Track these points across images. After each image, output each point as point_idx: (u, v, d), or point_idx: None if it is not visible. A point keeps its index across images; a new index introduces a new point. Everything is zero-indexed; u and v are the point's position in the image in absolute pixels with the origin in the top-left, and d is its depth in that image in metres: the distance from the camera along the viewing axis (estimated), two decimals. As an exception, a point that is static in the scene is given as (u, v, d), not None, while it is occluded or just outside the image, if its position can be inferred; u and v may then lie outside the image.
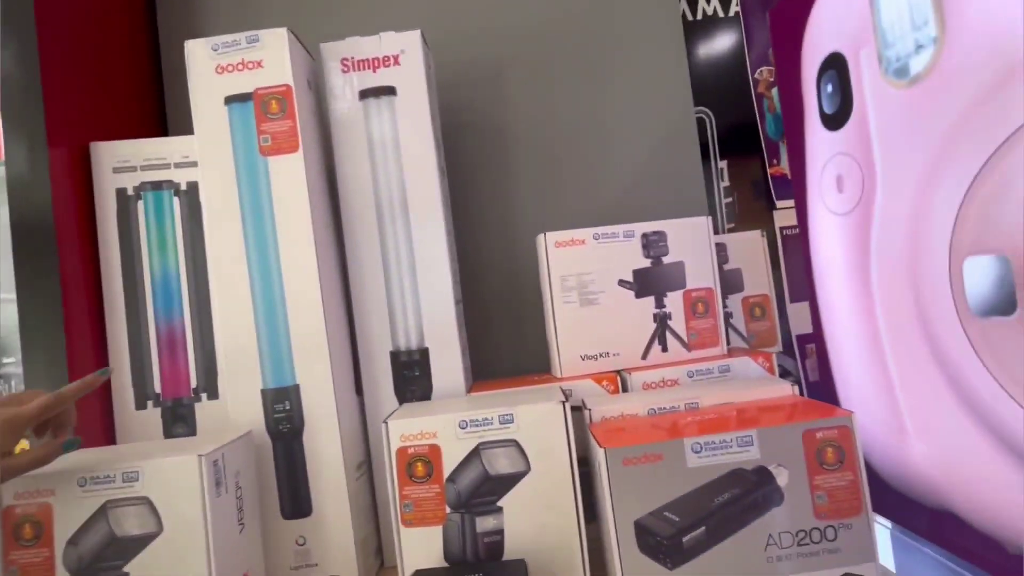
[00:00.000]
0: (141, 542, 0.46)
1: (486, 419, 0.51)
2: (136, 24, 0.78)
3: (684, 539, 0.45)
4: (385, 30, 0.63)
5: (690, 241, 0.66)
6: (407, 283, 0.63)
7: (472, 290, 0.73)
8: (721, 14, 0.89)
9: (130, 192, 0.64)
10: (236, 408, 0.57)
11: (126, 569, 0.45)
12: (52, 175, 0.59)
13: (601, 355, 0.65)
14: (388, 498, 0.51)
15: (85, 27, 0.68)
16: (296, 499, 0.57)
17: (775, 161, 0.88)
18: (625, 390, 0.62)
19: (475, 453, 0.51)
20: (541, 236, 0.65)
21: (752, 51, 0.88)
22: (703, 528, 0.45)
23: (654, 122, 0.79)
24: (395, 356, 0.63)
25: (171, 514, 0.46)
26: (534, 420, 0.51)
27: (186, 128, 0.77)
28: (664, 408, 0.55)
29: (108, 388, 0.62)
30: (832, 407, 0.50)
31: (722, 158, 0.89)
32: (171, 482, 0.46)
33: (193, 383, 0.64)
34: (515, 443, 0.51)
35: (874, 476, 0.55)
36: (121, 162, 0.64)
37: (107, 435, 0.62)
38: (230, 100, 0.58)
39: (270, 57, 0.58)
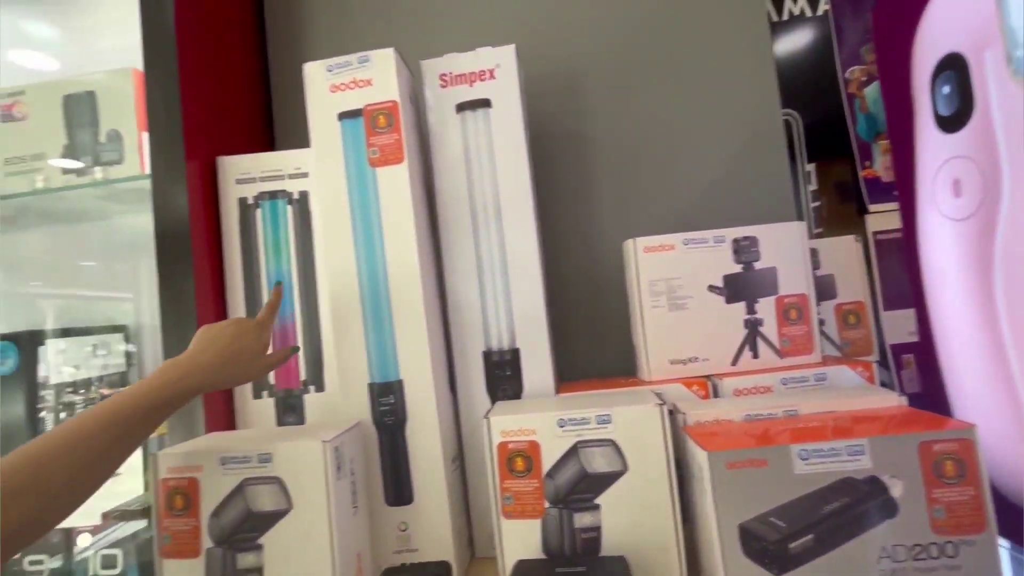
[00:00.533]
0: (273, 518, 0.51)
1: (584, 419, 0.53)
2: (249, 49, 0.85)
3: (791, 545, 0.44)
4: (460, 45, 0.66)
5: (783, 246, 0.65)
6: (500, 286, 0.65)
7: (555, 293, 0.75)
8: (809, 13, 0.87)
9: (250, 201, 0.71)
10: (346, 400, 0.62)
11: (260, 541, 0.51)
12: (189, 186, 0.66)
13: (690, 360, 0.65)
14: (486, 490, 0.54)
15: (213, 55, 0.75)
16: (399, 487, 0.61)
17: (867, 164, 0.85)
18: (716, 396, 0.62)
19: (573, 451, 0.53)
20: (630, 242, 0.66)
21: (842, 50, 0.85)
22: (811, 535, 0.44)
23: (740, 125, 0.78)
24: (488, 356, 0.65)
25: (299, 493, 0.50)
26: (631, 421, 0.52)
27: (291, 142, 0.86)
28: (761, 414, 0.55)
29: (230, 378, 0.69)
30: (948, 419, 0.49)
31: (809, 161, 0.86)
32: (299, 464, 0.51)
33: (302, 376, 0.69)
34: (612, 443, 0.52)
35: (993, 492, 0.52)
36: (243, 174, 0.71)
37: (228, 420, 0.69)
38: (343, 116, 0.63)
39: (378, 76, 0.62)
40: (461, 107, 0.66)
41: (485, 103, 0.66)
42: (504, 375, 0.65)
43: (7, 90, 0.74)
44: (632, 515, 0.52)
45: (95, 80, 0.74)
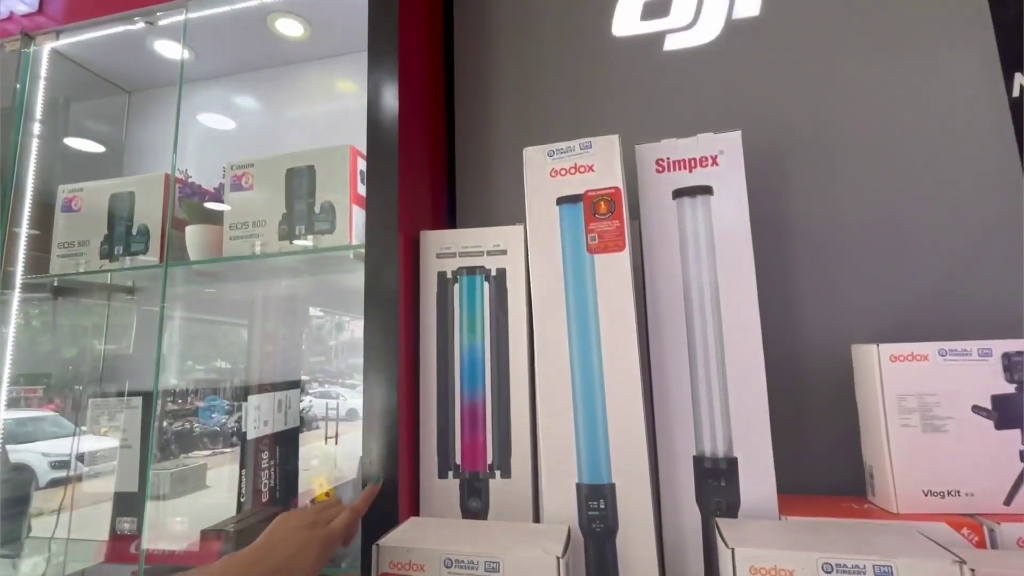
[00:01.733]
0: (498, 636, 0.47)
1: (857, 567, 0.45)
2: (440, 133, 0.89)
3: None
4: (637, 133, 0.64)
5: (1064, 365, 0.55)
6: (716, 385, 0.60)
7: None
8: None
9: (449, 275, 0.71)
10: (550, 499, 0.58)
11: (483, 661, 0.47)
12: (400, 257, 0.68)
13: (950, 493, 0.55)
14: None
15: (420, 137, 0.79)
16: (606, 606, 0.55)
17: None
18: (993, 543, 0.52)
19: (843, 604, 0.45)
20: (870, 347, 0.59)
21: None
22: None
23: (991, 209, 0.69)
24: (699, 462, 0.60)
25: (528, 613, 0.46)
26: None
27: (470, 221, 0.87)
28: (1086, 586, 0.44)
29: (418, 454, 0.68)
30: None
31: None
32: (530, 579, 0.47)
33: (489, 459, 0.67)
34: (896, 602, 0.44)
35: None
36: (444, 248, 0.72)
37: (412, 500, 0.67)
38: (562, 201, 0.63)
39: (601, 161, 0.62)
40: (678, 193, 0.64)
41: (706, 190, 0.63)
42: (718, 486, 0.59)
43: (239, 163, 0.82)
44: None
45: (315, 155, 0.79)
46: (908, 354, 0.57)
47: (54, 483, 1.02)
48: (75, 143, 1.12)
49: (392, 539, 0.52)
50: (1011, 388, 0.55)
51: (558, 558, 0.47)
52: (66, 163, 1.06)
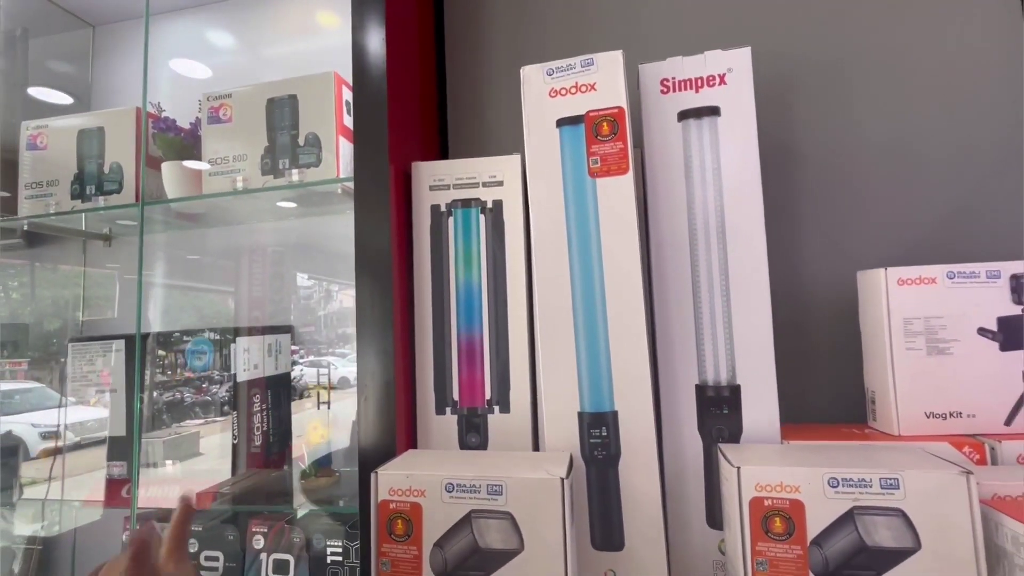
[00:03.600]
0: (502, 557, 0.46)
1: (863, 480, 0.45)
2: (430, 56, 0.84)
3: None
4: (644, 50, 0.60)
5: (1071, 286, 0.54)
6: (719, 313, 0.59)
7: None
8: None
9: (443, 208, 0.68)
10: (551, 428, 0.57)
11: (488, 581, 0.46)
12: (391, 190, 0.64)
13: (952, 415, 0.55)
14: (689, 543, 0.47)
15: (409, 61, 0.74)
16: (608, 531, 0.55)
17: None
18: (994, 462, 0.52)
19: (848, 517, 0.45)
20: (878, 271, 0.57)
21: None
22: None
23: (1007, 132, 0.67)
24: (701, 390, 0.59)
25: (532, 533, 0.46)
26: (926, 489, 0.43)
27: (463, 151, 0.84)
28: (1087, 495, 0.44)
29: (414, 391, 0.66)
30: None
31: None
32: (533, 501, 0.46)
33: (487, 395, 0.66)
34: (901, 513, 0.44)
35: None
36: (436, 180, 0.69)
37: (409, 437, 0.66)
38: (562, 123, 0.59)
39: (604, 80, 0.58)
40: (684, 115, 0.61)
41: (713, 111, 0.60)
42: (720, 413, 0.58)
43: (215, 93, 0.77)
44: (925, 604, 0.43)
45: (297, 84, 0.75)
46: (916, 277, 0.56)
47: (44, 454, 1.00)
48: (40, 93, 1.05)
49: (391, 466, 0.51)
50: (1018, 310, 0.55)
51: (562, 479, 0.46)
52: (30, 111, 0.99)
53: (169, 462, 0.80)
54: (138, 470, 0.75)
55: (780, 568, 0.45)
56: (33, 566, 0.99)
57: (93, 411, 0.91)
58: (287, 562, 0.71)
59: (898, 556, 0.44)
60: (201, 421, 0.85)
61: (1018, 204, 0.65)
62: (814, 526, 0.45)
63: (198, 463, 0.86)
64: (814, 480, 0.45)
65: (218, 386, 0.79)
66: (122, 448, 0.78)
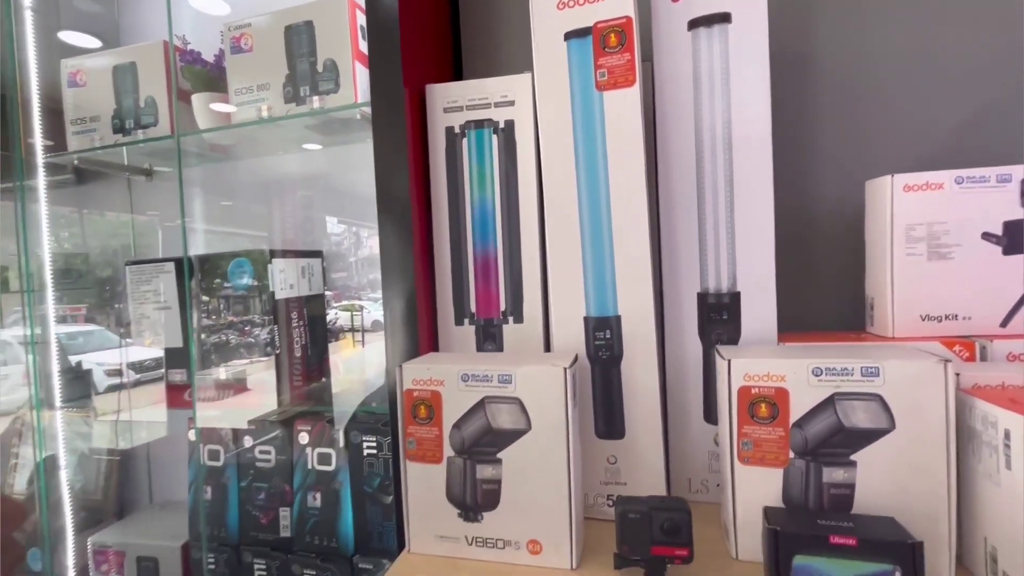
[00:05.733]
0: (512, 436, 0.52)
1: (845, 368, 0.48)
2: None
3: None
4: None
5: (1085, 189, 0.54)
6: (723, 223, 0.61)
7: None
8: None
9: (456, 130, 0.71)
10: (560, 332, 0.62)
11: (499, 456, 0.53)
12: (406, 113, 0.67)
13: (947, 317, 0.57)
14: (688, 433, 0.51)
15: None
16: (610, 421, 0.61)
17: None
18: (984, 360, 0.54)
19: (829, 402, 0.48)
20: (884, 179, 0.58)
21: None
22: None
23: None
24: (703, 297, 0.62)
25: (538, 415, 0.52)
26: (904, 376, 0.47)
27: (477, 71, 0.85)
28: (1066, 383, 0.47)
29: (435, 304, 0.72)
30: None
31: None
32: (539, 388, 0.51)
33: (502, 306, 0.70)
34: (878, 398, 0.47)
35: None
36: (450, 102, 0.70)
37: (431, 345, 0.72)
38: (569, 36, 0.60)
39: (612, -12, 0.58)
40: (694, 23, 0.60)
41: (724, 18, 0.59)
42: (720, 319, 0.62)
43: (236, 23, 0.79)
44: (894, 476, 0.47)
45: (312, 9, 0.76)
46: (923, 183, 0.56)
47: (110, 389, 1.12)
48: (70, 37, 1.08)
49: (414, 362, 0.57)
50: (1025, 213, 0.55)
51: (565, 368, 0.51)
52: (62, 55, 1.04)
53: (222, 397, 0.89)
54: (195, 375, 0.84)
55: (763, 447, 0.50)
56: (115, 473, 1.14)
57: (149, 351, 1.02)
58: (329, 455, 0.81)
59: (873, 435, 0.47)
60: (247, 361, 0.93)
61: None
62: (797, 410, 0.49)
63: (247, 398, 0.96)
64: (799, 370, 0.49)
65: (260, 328, 0.86)
66: (179, 357, 0.88)
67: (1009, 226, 0.55)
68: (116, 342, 1.11)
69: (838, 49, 0.69)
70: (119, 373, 1.08)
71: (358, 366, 1.00)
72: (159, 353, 0.90)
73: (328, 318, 0.95)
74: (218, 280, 0.84)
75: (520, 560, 0.53)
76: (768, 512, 0.47)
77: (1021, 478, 0.40)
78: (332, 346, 0.96)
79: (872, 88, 0.68)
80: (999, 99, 0.65)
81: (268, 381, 0.87)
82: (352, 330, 0.99)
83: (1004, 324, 0.56)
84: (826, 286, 0.70)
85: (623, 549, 0.49)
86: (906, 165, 0.67)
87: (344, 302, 1.00)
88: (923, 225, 0.57)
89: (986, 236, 0.56)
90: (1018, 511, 0.41)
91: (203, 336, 0.89)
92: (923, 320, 0.57)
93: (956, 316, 0.57)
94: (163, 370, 0.90)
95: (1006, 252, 0.55)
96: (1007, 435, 0.42)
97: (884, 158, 0.68)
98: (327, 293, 0.97)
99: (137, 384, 1.06)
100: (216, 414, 0.89)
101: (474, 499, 0.54)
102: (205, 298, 0.88)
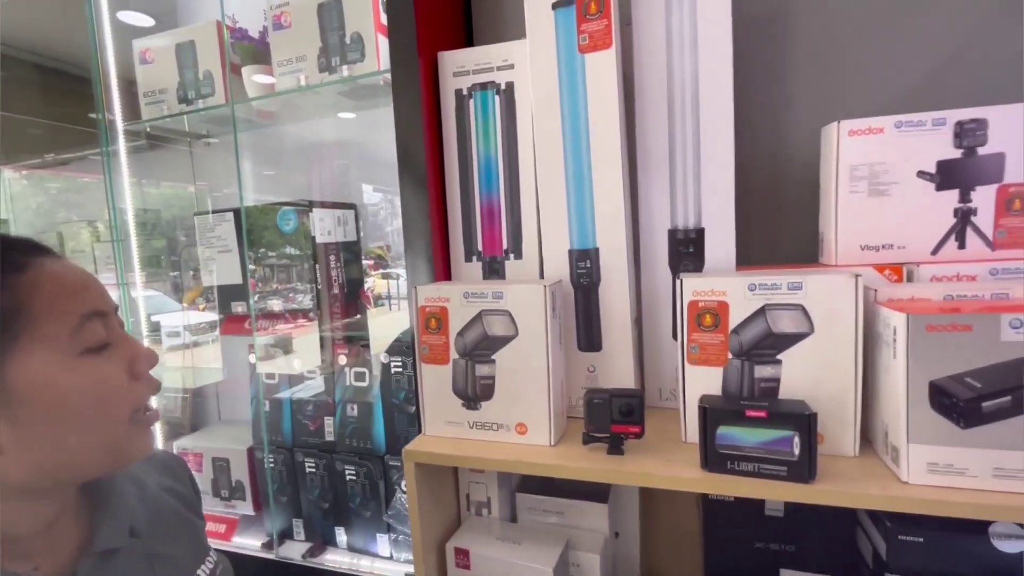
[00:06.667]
0: (503, 341, 0.65)
1: (775, 284, 0.58)
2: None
3: (985, 404, 0.47)
4: None
5: (1016, 131, 0.60)
6: (691, 170, 0.70)
7: (740, 179, 0.77)
8: None
9: (464, 92, 0.81)
10: (549, 263, 0.73)
11: (493, 357, 0.66)
12: (421, 78, 0.78)
13: (884, 246, 0.65)
14: (660, 350, 0.62)
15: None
16: (590, 337, 0.72)
17: None
18: (910, 281, 0.63)
19: (761, 312, 0.59)
20: (833, 125, 0.65)
21: None
22: (1008, 398, 0.47)
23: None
24: (672, 234, 0.72)
25: (524, 324, 0.64)
26: (822, 289, 0.56)
27: (487, 37, 0.94)
28: (964, 295, 0.55)
29: (448, 243, 0.84)
30: None
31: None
32: (525, 302, 0.64)
33: (504, 245, 0.82)
34: (801, 308, 0.57)
35: None
36: (459, 67, 0.81)
37: (445, 277, 0.85)
38: (556, 6, 0.69)
39: (592, -39, 0.66)
40: (667, -11, 0.68)
41: (693, -16, 0.67)
42: (687, 252, 0.72)
43: (276, 3, 0.91)
44: (812, 371, 0.57)
45: (340, -13, 0.87)
46: (866, 128, 0.64)
47: (171, 349, 1.30)
48: (127, 17, 1.23)
49: (427, 286, 0.70)
50: (958, 154, 0.62)
51: (546, 287, 0.63)
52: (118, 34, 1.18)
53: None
54: (254, 307, 1.01)
55: (707, 350, 0.61)
56: (189, 406, 1.35)
57: (204, 316, 1.19)
58: (364, 373, 0.96)
59: (796, 338, 0.58)
60: (292, 325, 1.08)
61: (970, 57, 0.68)
62: (735, 320, 0.60)
63: (293, 357, 1.12)
64: (738, 287, 0.59)
65: (303, 296, 1.01)
66: (239, 292, 1.05)
67: (942, 165, 0.62)
68: (175, 307, 1.29)
69: (804, 8, 0.75)
70: (178, 335, 1.27)
71: (390, 323, 1.15)
72: (214, 317, 1.06)
73: (367, 285, 1.10)
74: (262, 272, 0.99)
75: (510, 439, 0.66)
76: (703, 398, 0.59)
77: (902, 364, 0.50)
78: (370, 312, 1.10)
79: (835, 45, 0.74)
80: (949, 51, 0.70)
81: (312, 342, 1.02)
82: (389, 298, 1.13)
83: (935, 252, 0.64)
84: (792, 225, 0.78)
85: (589, 428, 0.62)
86: (867, 112, 0.73)
87: (380, 271, 1.14)
88: (865, 165, 0.64)
89: (921, 174, 0.63)
90: (900, 392, 0.51)
91: (253, 299, 1.05)
92: (862, 250, 0.66)
93: (892, 246, 0.65)
94: (216, 332, 1.06)
95: (939, 188, 0.63)
96: (895, 331, 0.51)
97: (849, 108, 0.74)
98: (365, 262, 1.11)
99: (195, 345, 1.25)
100: (268, 340, 1.06)
101: (474, 392, 0.67)
102: (253, 266, 1.04)
